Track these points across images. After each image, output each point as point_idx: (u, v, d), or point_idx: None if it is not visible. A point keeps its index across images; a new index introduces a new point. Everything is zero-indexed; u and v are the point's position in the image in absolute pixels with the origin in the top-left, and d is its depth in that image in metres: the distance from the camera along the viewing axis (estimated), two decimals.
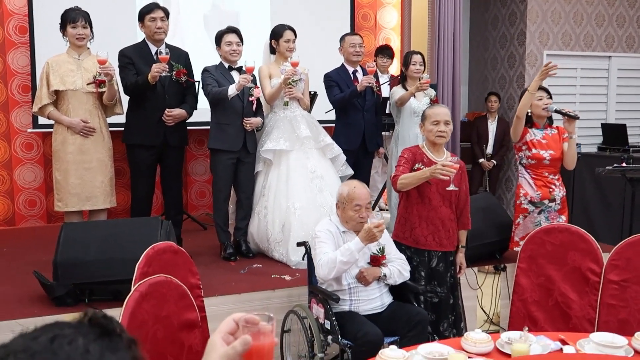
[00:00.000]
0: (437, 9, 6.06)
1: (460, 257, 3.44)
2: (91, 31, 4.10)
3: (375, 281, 3.06)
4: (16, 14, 5.43)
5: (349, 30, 6.09)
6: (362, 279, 3.02)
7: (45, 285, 3.27)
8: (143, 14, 4.19)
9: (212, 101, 4.20)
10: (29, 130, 5.50)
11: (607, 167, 4.89)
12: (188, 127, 4.54)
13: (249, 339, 1.07)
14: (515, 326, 3.00)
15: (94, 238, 3.33)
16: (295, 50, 4.38)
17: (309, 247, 3.23)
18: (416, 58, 4.79)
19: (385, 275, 3.06)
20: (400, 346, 2.26)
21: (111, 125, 4.29)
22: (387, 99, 5.22)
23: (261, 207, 4.34)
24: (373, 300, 3.05)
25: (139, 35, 4.54)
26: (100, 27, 4.34)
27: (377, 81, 4.85)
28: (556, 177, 3.85)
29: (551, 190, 3.81)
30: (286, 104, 4.33)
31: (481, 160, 6.63)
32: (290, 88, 4.23)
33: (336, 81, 4.71)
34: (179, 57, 4.25)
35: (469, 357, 2.12)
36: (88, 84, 4.00)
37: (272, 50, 4.48)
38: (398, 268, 3.11)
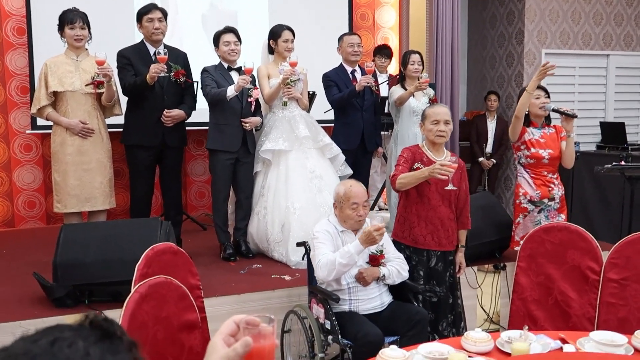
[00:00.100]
0: (435, 8, 6.06)
1: (460, 257, 3.44)
2: (89, 32, 4.10)
3: (374, 281, 3.07)
4: (14, 15, 5.43)
5: (347, 30, 6.09)
6: (362, 280, 3.02)
7: (45, 286, 3.27)
8: (141, 15, 4.19)
9: (211, 102, 4.20)
10: (27, 131, 5.49)
11: (606, 166, 4.89)
12: (187, 128, 4.54)
13: (249, 340, 1.07)
14: (515, 325, 3.00)
15: (93, 239, 3.33)
16: (293, 50, 4.38)
17: (309, 247, 3.23)
18: (414, 57, 4.79)
19: (384, 276, 3.06)
20: (400, 346, 2.26)
21: (110, 126, 4.29)
22: (385, 98, 5.22)
23: (260, 207, 4.34)
24: (372, 299, 3.06)
25: (137, 36, 4.53)
26: (99, 28, 4.33)
27: (376, 81, 4.85)
28: (555, 176, 3.85)
29: (550, 189, 3.81)
30: (285, 104, 4.33)
31: (481, 159, 6.64)
32: (288, 88, 4.23)
33: (335, 81, 4.71)
34: (178, 58, 4.25)
35: (469, 357, 2.12)
36: (86, 85, 3.99)
37: (271, 50, 4.48)
38: (397, 268, 3.11)
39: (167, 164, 4.35)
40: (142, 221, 3.76)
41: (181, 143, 4.42)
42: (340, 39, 4.84)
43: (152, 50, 4.18)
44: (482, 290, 4.09)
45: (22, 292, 3.48)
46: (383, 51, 5.95)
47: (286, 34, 4.36)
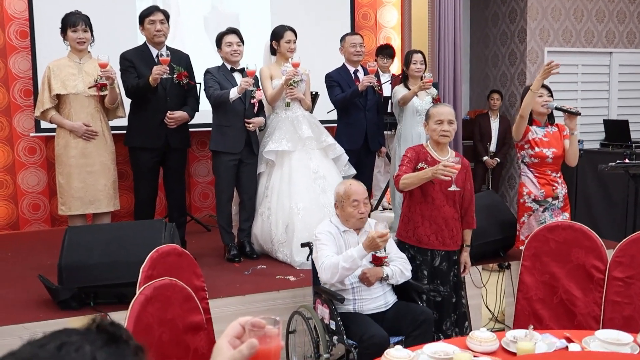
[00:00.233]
0: (437, 7, 6.05)
1: (465, 257, 3.44)
2: (92, 35, 4.10)
3: (377, 281, 3.07)
4: (17, 18, 5.45)
5: (349, 30, 6.09)
6: (365, 280, 3.02)
7: (50, 289, 3.28)
8: (143, 17, 4.20)
9: (214, 104, 4.20)
10: (31, 134, 5.51)
11: (610, 164, 4.88)
12: (190, 129, 4.54)
13: (255, 342, 1.07)
14: (520, 324, 2.99)
15: (98, 241, 3.33)
16: (296, 51, 4.38)
17: (313, 247, 3.23)
18: (417, 57, 4.79)
19: (387, 276, 3.06)
20: (406, 346, 2.27)
21: (113, 128, 4.29)
22: (388, 98, 5.22)
23: (264, 208, 4.34)
24: (376, 299, 3.06)
25: (139, 39, 4.55)
26: (101, 30, 4.35)
27: (379, 80, 4.85)
28: (558, 175, 3.85)
29: (554, 188, 3.81)
30: (288, 104, 4.33)
31: (485, 158, 6.63)
32: (291, 89, 4.23)
33: (337, 81, 4.71)
34: (180, 60, 4.26)
35: (474, 356, 2.12)
36: (89, 88, 4.00)
37: (273, 51, 4.49)
38: (400, 267, 3.11)
39: (170, 166, 4.36)
40: (146, 223, 3.77)
41: (184, 145, 4.43)
42: (343, 39, 4.84)
43: (154, 52, 4.19)
44: (487, 290, 4.08)
45: (28, 295, 3.50)
46: (385, 51, 5.95)
47: (288, 35, 4.36)
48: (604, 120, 7.08)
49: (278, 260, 4.24)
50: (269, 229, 4.28)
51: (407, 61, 4.82)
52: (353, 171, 4.61)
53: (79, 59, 4.07)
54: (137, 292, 2.10)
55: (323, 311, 3.04)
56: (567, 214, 3.86)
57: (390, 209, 5.61)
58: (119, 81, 4.12)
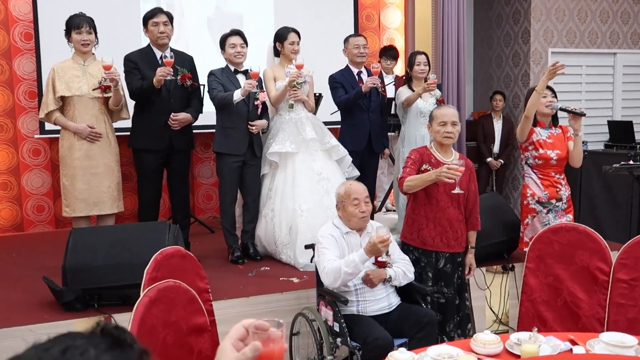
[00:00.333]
0: (440, 8, 6.04)
1: (470, 258, 3.43)
2: (96, 37, 4.12)
3: (380, 282, 3.06)
4: (21, 20, 5.47)
5: (352, 31, 6.09)
6: (368, 281, 3.02)
7: (55, 290, 3.29)
8: (146, 19, 4.22)
9: (217, 106, 4.21)
10: (36, 136, 5.52)
11: (614, 165, 4.87)
12: (194, 131, 4.55)
13: (259, 345, 1.07)
14: (525, 326, 2.99)
15: (102, 243, 3.34)
16: (299, 53, 4.39)
17: (315, 251, 3.23)
18: (420, 58, 4.78)
19: (390, 277, 3.06)
20: (409, 348, 2.26)
21: (117, 130, 4.30)
22: (392, 99, 5.22)
23: (268, 209, 4.34)
24: (380, 300, 3.05)
25: (143, 41, 4.56)
26: (105, 32, 4.36)
27: (382, 82, 4.85)
28: (562, 177, 3.84)
29: (558, 189, 3.80)
30: (291, 106, 4.33)
31: (489, 159, 6.62)
32: (295, 90, 4.23)
33: (341, 82, 4.71)
34: (184, 62, 4.27)
35: (478, 359, 2.12)
36: (93, 90, 4.01)
37: (277, 53, 4.49)
38: (403, 269, 3.11)
39: (174, 168, 4.37)
40: (150, 225, 3.77)
41: (188, 146, 4.44)
42: (346, 40, 4.85)
43: (158, 54, 4.20)
44: (491, 291, 4.07)
45: (32, 296, 3.50)
46: (389, 52, 5.95)
47: (292, 37, 4.36)
48: (608, 122, 7.06)
49: (282, 261, 4.24)
50: (273, 231, 4.28)
51: (410, 62, 4.82)
52: (357, 173, 4.60)
53: (83, 61, 4.08)
54: (141, 295, 2.11)
55: (327, 313, 3.04)
56: (570, 216, 3.85)
57: (394, 211, 5.60)
58: (123, 83, 4.13)
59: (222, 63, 4.34)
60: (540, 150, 3.76)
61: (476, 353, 2.18)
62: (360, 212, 3.08)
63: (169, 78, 4.01)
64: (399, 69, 6.38)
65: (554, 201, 3.79)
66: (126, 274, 3.13)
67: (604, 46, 7.13)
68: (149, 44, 4.29)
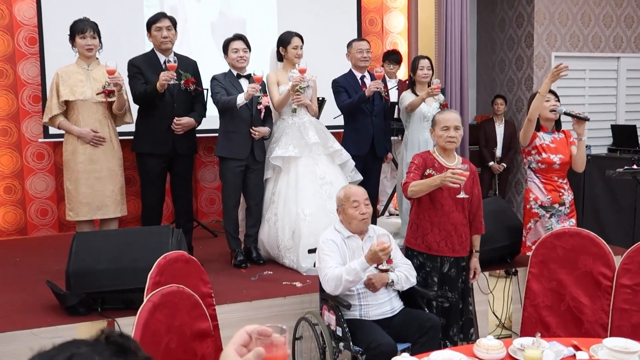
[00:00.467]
0: (443, 12, 6.05)
1: (475, 262, 3.43)
2: (100, 41, 4.13)
3: (383, 287, 3.06)
4: (26, 24, 5.49)
5: (355, 36, 6.10)
6: (371, 286, 3.02)
7: (58, 294, 3.30)
8: (150, 24, 4.23)
9: (221, 110, 4.22)
10: (39, 140, 5.54)
11: (618, 169, 4.85)
12: (197, 135, 4.56)
13: (262, 351, 1.07)
14: (528, 332, 2.98)
15: (105, 247, 3.35)
16: (302, 57, 4.40)
17: (316, 257, 3.23)
18: (423, 63, 4.79)
19: (392, 281, 3.06)
20: (412, 353, 2.27)
21: (121, 134, 4.32)
22: (395, 103, 5.22)
23: (271, 214, 4.35)
24: (382, 304, 3.05)
25: (147, 45, 4.57)
26: (109, 37, 4.38)
27: (385, 86, 4.85)
28: (565, 181, 3.84)
29: (561, 194, 3.80)
30: (294, 110, 4.34)
31: (491, 163, 6.61)
32: (298, 95, 4.24)
33: (344, 87, 4.72)
34: (187, 66, 4.28)
35: None
36: (97, 94, 4.03)
37: (280, 57, 4.50)
38: (405, 273, 3.11)
39: (177, 172, 4.37)
40: (153, 229, 3.78)
41: (191, 150, 4.44)
42: (349, 44, 4.85)
43: (162, 58, 4.21)
44: (494, 296, 4.07)
45: (35, 300, 3.51)
46: (392, 56, 5.96)
47: (295, 41, 4.37)
48: (612, 126, 7.05)
49: (284, 266, 4.24)
50: (276, 235, 4.28)
51: (414, 67, 4.83)
52: (359, 177, 4.60)
53: (87, 66, 4.10)
54: (145, 299, 2.11)
55: (330, 317, 3.04)
56: (573, 220, 3.85)
57: (397, 215, 5.60)
58: (126, 87, 4.15)
59: (226, 68, 4.35)
60: (544, 155, 3.75)
61: (479, 358, 2.17)
62: (360, 214, 3.08)
63: (172, 82, 4.03)
64: (402, 73, 6.38)
65: (556, 205, 3.79)
66: (129, 278, 3.14)
67: (607, 50, 7.13)
68: (152, 49, 4.30)
